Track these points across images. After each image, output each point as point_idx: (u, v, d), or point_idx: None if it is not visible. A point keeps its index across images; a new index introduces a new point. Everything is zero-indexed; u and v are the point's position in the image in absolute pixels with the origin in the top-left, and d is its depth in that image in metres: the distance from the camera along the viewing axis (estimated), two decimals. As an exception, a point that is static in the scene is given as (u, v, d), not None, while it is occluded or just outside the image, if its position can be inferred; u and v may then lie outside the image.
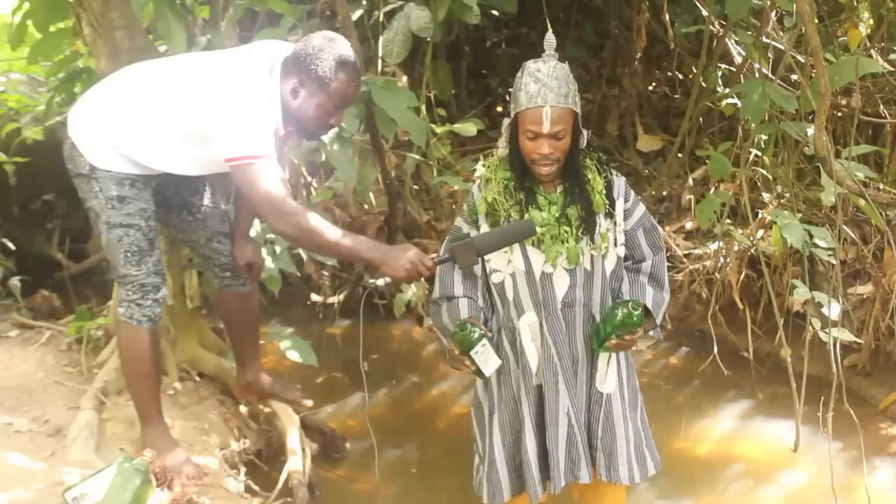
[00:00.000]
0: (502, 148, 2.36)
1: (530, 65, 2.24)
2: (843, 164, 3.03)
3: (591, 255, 2.33)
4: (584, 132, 2.29)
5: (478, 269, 2.39)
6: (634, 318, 2.23)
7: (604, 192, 2.32)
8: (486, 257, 2.34)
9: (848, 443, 3.37)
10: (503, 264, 2.35)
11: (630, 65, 5.69)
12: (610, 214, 2.34)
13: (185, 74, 2.53)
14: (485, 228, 2.35)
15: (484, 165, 2.41)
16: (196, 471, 2.76)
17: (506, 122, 2.32)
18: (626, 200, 2.39)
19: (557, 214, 2.30)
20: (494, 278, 2.37)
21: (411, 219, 4.93)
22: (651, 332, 2.44)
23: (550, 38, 2.28)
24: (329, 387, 4.13)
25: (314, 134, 2.61)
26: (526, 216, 2.29)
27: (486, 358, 2.25)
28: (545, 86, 2.18)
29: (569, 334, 2.35)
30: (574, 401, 2.35)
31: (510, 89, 2.35)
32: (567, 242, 2.29)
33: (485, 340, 2.23)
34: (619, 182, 2.39)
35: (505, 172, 2.34)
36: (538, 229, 2.28)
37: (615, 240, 2.36)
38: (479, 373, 2.27)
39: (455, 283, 2.38)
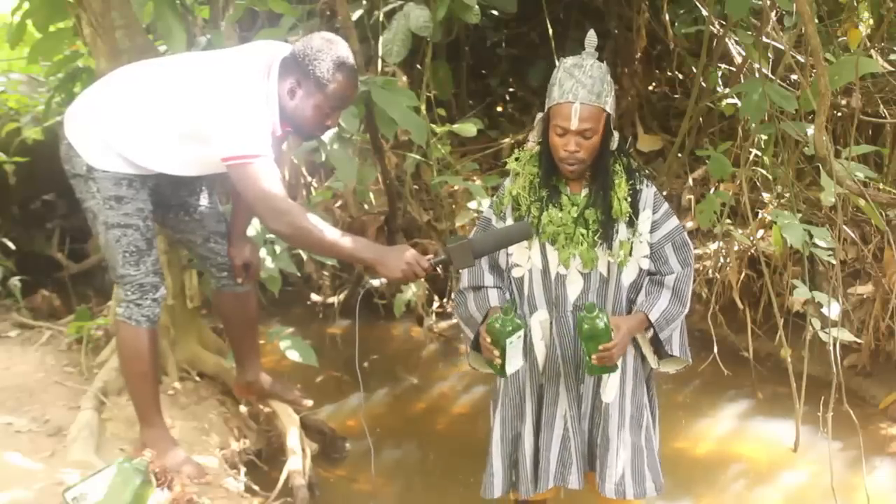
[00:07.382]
0: (533, 142, 2.34)
1: (568, 61, 2.20)
2: (843, 164, 3.03)
3: (609, 262, 2.30)
4: (615, 134, 2.24)
5: (503, 262, 2.38)
6: (600, 327, 2.12)
7: (628, 199, 2.27)
8: (509, 251, 2.34)
9: (848, 443, 3.37)
10: (523, 259, 2.34)
11: (630, 65, 5.68)
12: (632, 223, 2.29)
13: (182, 74, 2.52)
14: (510, 221, 2.34)
15: (515, 158, 2.39)
16: (196, 470, 2.76)
17: (539, 116, 2.30)
18: (654, 212, 2.31)
19: (575, 215, 2.27)
20: (515, 273, 2.36)
21: (411, 219, 4.92)
22: (679, 355, 2.38)
23: (591, 37, 2.25)
24: (329, 387, 4.13)
25: (310, 134, 2.61)
26: (545, 214, 2.27)
27: (515, 352, 2.20)
28: (578, 82, 2.14)
29: (577, 338, 2.33)
30: (573, 405, 2.34)
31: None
32: (581, 245, 2.26)
33: (521, 333, 2.18)
34: (648, 192, 2.31)
35: (533, 168, 2.32)
36: (554, 228, 2.26)
37: (634, 250, 2.31)
38: (501, 369, 2.21)
39: (485, 274, 2.37)
